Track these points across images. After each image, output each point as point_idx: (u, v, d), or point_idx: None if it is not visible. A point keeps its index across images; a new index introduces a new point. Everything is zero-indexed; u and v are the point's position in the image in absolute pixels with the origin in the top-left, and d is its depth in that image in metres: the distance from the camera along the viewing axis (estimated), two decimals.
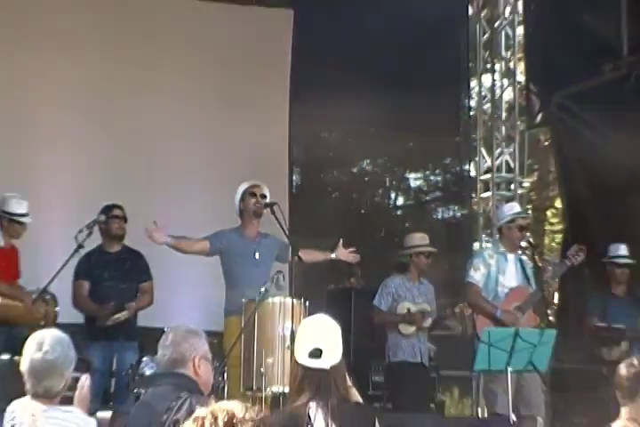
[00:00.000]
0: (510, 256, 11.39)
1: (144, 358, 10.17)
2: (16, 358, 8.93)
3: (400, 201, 17.41)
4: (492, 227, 13.26)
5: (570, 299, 13.21)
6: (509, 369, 10.39)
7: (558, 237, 15.86)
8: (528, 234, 13.21)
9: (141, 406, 6.91)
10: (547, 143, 15.28)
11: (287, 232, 10.59)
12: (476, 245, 13.00)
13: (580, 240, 12.33)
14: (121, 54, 13.45)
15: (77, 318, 10.95)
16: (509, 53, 14.93)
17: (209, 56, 13.72)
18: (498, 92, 15.01)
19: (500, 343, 10.35)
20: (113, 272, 11.06)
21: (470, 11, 15.14)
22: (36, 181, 12.42)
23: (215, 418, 2.52)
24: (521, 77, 15.00)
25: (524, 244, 11.90)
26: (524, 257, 11.82)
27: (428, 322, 11.56)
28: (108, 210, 11.15)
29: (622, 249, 11.61)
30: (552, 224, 17.30)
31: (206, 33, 13.74)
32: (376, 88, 13.04)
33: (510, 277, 11.25)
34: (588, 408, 10.69)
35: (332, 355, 6.56)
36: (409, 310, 11.39)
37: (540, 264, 13.53)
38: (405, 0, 13.13)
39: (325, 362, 6.53)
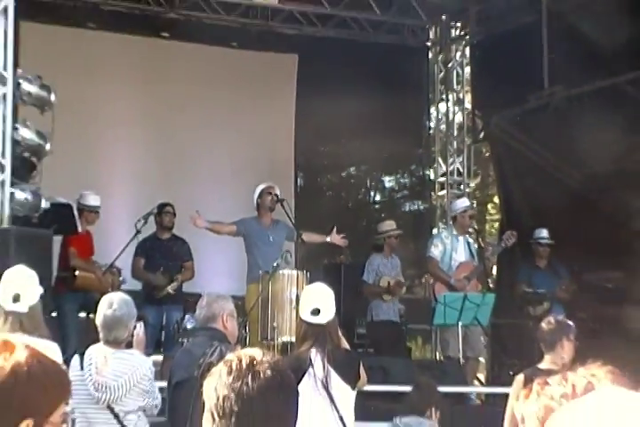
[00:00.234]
0: (460, 238, 11.46)
1: (186, 316, 10.25)
2: (90, 315, 9.00)
3: (377, 198, 17.30)
4: (446, 216, 13.22)
5: (504, 271, 13.23)
6: (459, 323, 10.50)
7: (496, 225, 15.83)
8: (474, 222, 13.32)
9: (183, 352, 6.98)
10: (487, 154, 15.21)
11: (293, 221, 10.69)
12: (435, 230, 12.99)
13: (512, 227, 12.38)
14: (167, 91, 13.38)
15: (136, 286, 11.00)
16: (459, 87, 14.82)
17: (230, 92, 13.55)
18: (450, 116, 14.90)
19: (452, 304, 10.47)
20: (163, 254, 11.07)
21: (430, 55, 15.06)
22: (105, 181, 12.38)
23: (240, 360, 2.52)
24: (468, 105, 14.89)
25: (470, 229, 11.96)
26: (471, 239, 11.87)
27: (403, 290, 11.63)
28: (161, 207, 11.19)
29: (544, 233, 11.61)
30: (491, 215, 17.25)
31: (227, 73, 13.62)
32: (362, 115, 13.02)
33: (460, 254, 11.33)
34: (518, 353, 10.72)
35: (328, 313, 6.63)
36: (389, 282, 11.44)
37: (482, 245, 13.59)
38: (382, 51, 13.12)
39: (322, 318, 6.60)
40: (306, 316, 6.66)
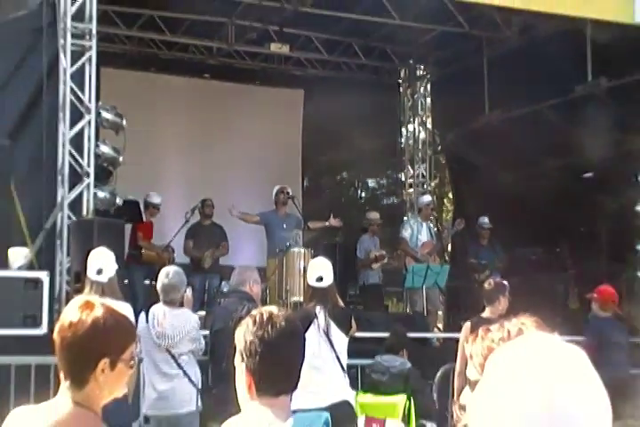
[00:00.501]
0: (424, 224, 11.46)
1: (222, 282, 10.28)
2: (153, 282, 9.01)
3: (363, 195, 17.32)
4: (414, 208, 13.24)
5: (457, 248, 13.25)
6: (424, 287, 10.49)
7: (450, 214, 15.83)
8: (434, 212, 13.32)
9: (221, 308, 7.00)
10: (443, 162, 15.21)
11: (301, 212, 10.69)
12: (405, 218, 12.97)
13: (461, 216, 12.39)
14: (206, 117, 13.36)
15: (185, 260, 10.99)
16: (422, 113, 14.78)
17: (253, 117, 13.46)
18: (416, 134, 14.90)
19: (418, 272, 10.46)
20: (205, 236, 11.08)
21: (401, 89, 15.04)
22: (163, 184, 12.40)
23: (262, 314, 2.52)
24: (429, 126, 14.91)
25: (431, 217, 11.95)
26: (431, 224, 11.88)
27: (385, 259, 11.66)
28: (203, 202, 11.22)
29: (485, 219, 11.60)
30: (447, 206, 17.22)
31: (251, 103, 13.51)
32: (351, 133, 13.01)
33: (424, 235, 11.33)
34: (467, 307, 10.71)
35: (328, 280, 6.63)
36: (375, 255, 11.46)
37: (440, 229, 13.59)
38: (365, 86, 13.12)
39: (324, 284, 6.60)
40: (311, 282, 6.66)
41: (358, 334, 7.16)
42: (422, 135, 14.94)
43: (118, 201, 8.62)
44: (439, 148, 14.64)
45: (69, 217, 7.99)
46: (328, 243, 11.18)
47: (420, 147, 14.82)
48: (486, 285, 7.21)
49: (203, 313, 8.81)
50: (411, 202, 14.27)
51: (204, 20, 12.41)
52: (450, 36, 12.47)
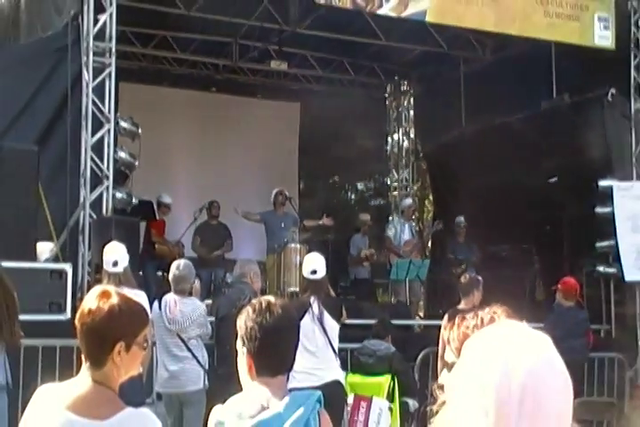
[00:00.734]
0: (406, 224, 11.46)
1: (227, 274, 10.23)
2: (165, 274, 9.00)
3: (353, 197, 17.28)
4: (398, 209, 13.24)
5: (436, 245, 13.23)
6: (407, 279, 10.49)
7: (430, 214, 15.81)
8: (416, 213, 13.32)
9: (225, 297, 7.00)
10: (425, 167, 15.20)
11: (297, 212, 10.69)
12: (390, 218, 12.96)
13: (440, 216, 12.41)
14: (214, 126, 13.34)
15: (194, 254, 10.99)
16: (406, 124, 14.79)
17: (255, 127, 13.47)
18: (401, 142, 14.92)
19: (402, 267, 10.46)
20: (212, 234, 11.06)
21: (387, 103, 15.04)
22: (174, 186, 12.36)
23: (261, 303, 2.52)
24: (412, 135, 14.91)
25: (413, 217, 11.94)
26: (413, 224, 11.87)
27: (375, 258, 11.62)
28: (210, 203, 11.18)
29: (462, 219, 11.57)
30: (427, 207, 17.21)
31: (252, 115, 13.48)
32: (343, 141, 12.96)
33: (406, 234, 11.32)
34: (445, 298, 10.72)
35: (321, 272, 6.63)
36: (366, 254, 11.42)
37: (421, 228, 13.59)
38: (355, 100, 13.13)
39: (318, 276, 6.60)
40: (306, 274, 6.66)
41: (348, 322, 7.17)
42: (406, 144, 14.92)
43: (134, 201, 8.60)
44: (421, 155, 14.63)
45: (90, 215, 7.98)
46: (321, 240, 11.16)
47: (403, 154, 14.81)
48: (462, 279, 7.22)
49: (209, 302, 8.78)
50: (395, 203, 14.26)
51: (212, 39, 12.42)
52: (430, 55, 12.48)
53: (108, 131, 8.23)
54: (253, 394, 2.45)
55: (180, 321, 6.34)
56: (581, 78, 10.18)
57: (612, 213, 9.66)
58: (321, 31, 11.67)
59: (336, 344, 6.52)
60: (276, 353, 2.48)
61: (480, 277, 7.22)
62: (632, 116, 10.11)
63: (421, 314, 12.01)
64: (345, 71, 13.89)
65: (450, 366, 2.34)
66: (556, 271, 9.58)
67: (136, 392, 4.77)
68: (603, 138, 9.97)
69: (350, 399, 6.76)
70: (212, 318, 6.62)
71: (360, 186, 17.13)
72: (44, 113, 8.14)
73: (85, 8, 8.16)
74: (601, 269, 9.88)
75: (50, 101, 8.20)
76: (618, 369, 8.94)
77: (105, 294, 2.27)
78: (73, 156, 8.01)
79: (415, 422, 6.99)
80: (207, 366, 6.39)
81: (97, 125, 8.17)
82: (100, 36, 8.27)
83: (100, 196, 8.10)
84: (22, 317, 3.87)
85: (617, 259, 9.69)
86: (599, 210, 9.81)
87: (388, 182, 15.12)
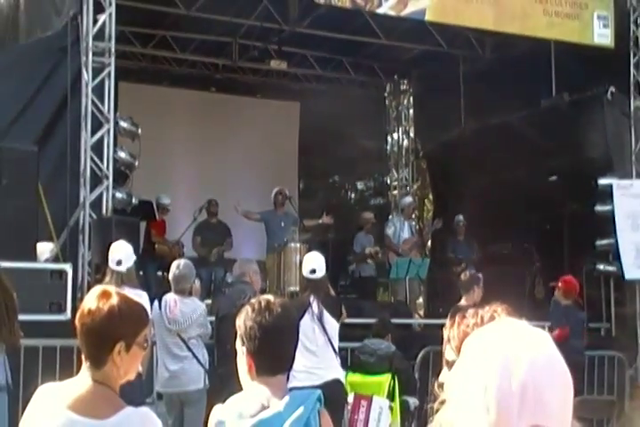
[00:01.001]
0: (406, 223, 11.43)
1: (227, 274, 10.22)
2: (165, 274, 8.99)
3: (353, 196, 17.26)
4: (398, 208, 13.23)
5: (436, 243, 13.21)
6: (407, 278, 10.48)
7: (430, 213, 15.78)
8: (415, 211, 13.31)
9: (225, 297, 6.99)
10: (424, 166, 15.19)
11: (297, 211, 10.69)
12: (390, 217, 12.95)
13: (440, 215, 12.40)
14: (213, 126, 13.36)
15: (194, 254, 10.97)
16: (406, 123, 14.80)
17: (255, 126, 13.39)
18: (400, 141, 14.93)
19: (402, 265, 10.44)
20: (211, 233, 11.06)
21: (387, 102, 15.03)
22: (174, 186, 12.38)
23: (260, 303, 2.52)
24: (412, 134, 14.90)
25: (413, 216, 11.92)
26: (413, 223, 11.86)
27: (380, 256, 11.58)
28: (209, 202, 11.19)
29: (461, 218, 11.59)
30: (427, 206, 17.20)
31: (252, 114, 13.42)
32: (342, 141, 12.99)
33: (405, 233, 11.29)
34: (445, 296, 10.72)
35: (321, 272, 6.63)
36: (370, 252, 11.38)
37: (421, 227, 13.58)
38: (355, 99, 13.14)
39: (317, 275, 6.60)
40: (306, 273, 6.66)
41: (348, 320, 7.17)
42: (405, 143, 14.93)
43: (134, 201, 8.60)
44: (420, 154, 14.62)
45: (90, 215, 7.97)
46: (321, 239, 11.16)
47: (403, 153, 14.82)
48: (462, 276, 7.24)
49: (209, 301, 8.78)
50: (395, 202, 14.26)
51: (211, 39, 12.42)
52: (430, 54, 12.47)
53: (108, 131, 8.22)
54: (254, 393, 2.45)
55: (181, 321, 6.33)
56: (581, 77, 10.18)
57: (612, 212, 9.66)
58: (320, 30, 11.67)
59: (336, 343, 6.52)
60: (275, 352, 2.47)
61: (480, 275, 7.23)
62: (631, 114, 10.11)
63: (421, 312, 12.00)
64: (344, 70, 13.89)
65: (449, 365, 2.33)
66: (556, 270, 9.57)
67: (136, 392, 4.77)
68: (602, 136, 9.97)
69: (351, 398, 6.76)
70: (213, 318, 6.61)
71: (360, 185, 17.11)
72: (43, 113, 8.13)
73: (85, 8, 8.15)
74: (601, 267, 9.88)
75: (49, 101, 8.19)
76: (618, 368, 8.93)
77: (105, 295, 2.27)
78: (73, 156, 8.00)
79: (415, 421, 6.99)
80: (207, 366, 6.39)
81: (96, 125, 8.16)
82: (99, 35, 8.26)
83: (100, 196, 8.09)
84: (22, 317, 3.88)
85: (617, 257, 9.69)
86: (599, 208, 9.81)
87: (388, 182, 15.12)
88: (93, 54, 8.20)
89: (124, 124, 8.47)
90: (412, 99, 14.75)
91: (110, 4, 8.28)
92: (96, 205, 8.04)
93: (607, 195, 9.74)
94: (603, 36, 9.77)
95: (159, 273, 10.27)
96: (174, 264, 6.57)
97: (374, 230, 11.90)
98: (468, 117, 12.40)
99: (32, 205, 7.24)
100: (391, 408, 6.79)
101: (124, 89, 10.51)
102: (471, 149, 11.72)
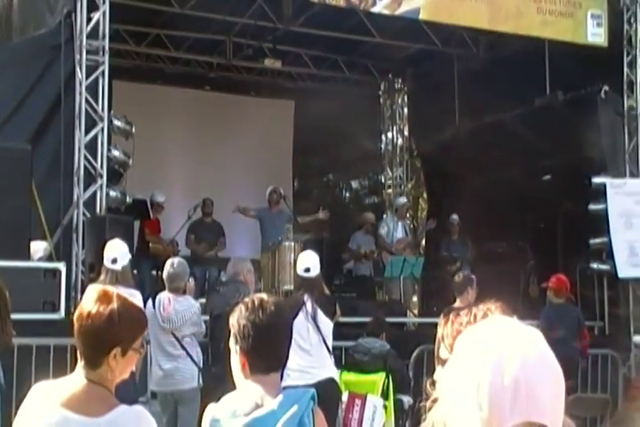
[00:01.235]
0: (399, 222, 11.44)
1: (221, 273, 10.20)
2: (159, 272, 8.96)
3: (347, 195, 17.27)
4: (392, 207, 13.23)
5: (430, 242, 13.23)
6: (401, 277, 10.48)
7: (425, 212, 15.79)
8: (410, 211, 13.31)
9: (219, 295, 6.97)
10: (419, 165, 15.20)
11: (291, 210, 10.68)
12: (384, 216, 12.95)
13: (434, 214, 12.41)
14: (207, 124, 13.32)
15: (188, 252, 10.96)
16: (400, 121, 14.81)
17: (250, 124, 13.36)
18: (395, 140, 14.93)
19: (396, 264, 10.44)
20: (206, 232, 11.06)
21: (381, 101, 15.01)
22: (168, 184, 12.32)
23: (254, 301, 2.53)
24: (406, 133, 14.91)
25: (407, 215, 11.92)
26: (407, 222, 11.87)
27: (375, 256, 11.57)
28: (204, 200, 11.18)
29: (455, 217, 11.62)
30: (422, 205, 17.19)
31: (247, 113, 13.44)
32: (337, 139, 13.03)
33: (399, 232, 11.31)
34: (439, 296, 10.73)
35: (315, 270, 6.62)
36: (365, 251, 11.38)
37: (415, 226, 13.59)
38: (349, 98, 13.14)
39: (312, 274, 6.60)
40: (300, 272, 6.66)
41: (342, 319, 7.16)
42: (400, 141, 14.93)
43: (128, 200, 8.59)
44: (415, 153, 14.63)
45: (84, 214, 7.95)
46: (316, 238, 11.16)
47: (397, 152, 14.82)
48: (456, 278, 7.23)
49: (203, 300, 8.77)
50: (389, 201, 14.26)
51: (205, 37, 12.41)
52: (424, 53, 12.49)
53: (102, 129, 8.21)
54: (247, 392, 2.45)
55: (175, 320, 6.33)
56: (575, 75, 10.20)
57: (606, 210, 9.68)
58: (315, 29, 11.66)
59: (330, 342, 6.52)
60: (269, 351, 2.47)
61: (473, 276, 7.22)
62: (625, 113, 10.13)
63: (415, 311, 12.01)
64: (339, 69, 13.89)
65: (443, 363, 2.34)
66: (551, 268, 9.58)
67: (129, 391, 4.76)
68: (596, 135, 9.99)
69: (345, 397, 6.76)
70: (207, 317, 6.60)
71: (354, 184, 17.12)
72: (37, 112, 8.11)
73: (78, 6, 8.14)
74: (594, 265, 9.90)
75: (43, 100, 8.17)
76: (611, 366, 8.95)
77: (105, 297, 2.26)
78: (66, 154, 7.98)
79: (410, 420, 7.00)
80: (201, 365, 6.38)
81: (90, 124, 8.14)
82: (93, 34, 8.24)
83: (94, 194, 8.08)
84: (16, 316, 3.86)
85: (610, 256, 9.71)
86: (592, 207, 9.83)
87: (383, 180, 15.13)
88: (87, 52, 8.18)
89: (117, 122, 8.46)
90: (406, 97, 14.76)
91: (104, 2, 8.26)
92: (90, 203, 8.02)
93: (601, 194, 9.76)
94: (596, 34, 9.79)
95: (153, 272, 10.25)
96: (168, 263, 6.56)
97: (373, 230, 11.94)
98: (463, 116, 12.42)
99: (25, 203, 7.23)
100: (385, 407, 6.80)
101: (117, 87, 10.51)
102: (465, 148, 11.73)
